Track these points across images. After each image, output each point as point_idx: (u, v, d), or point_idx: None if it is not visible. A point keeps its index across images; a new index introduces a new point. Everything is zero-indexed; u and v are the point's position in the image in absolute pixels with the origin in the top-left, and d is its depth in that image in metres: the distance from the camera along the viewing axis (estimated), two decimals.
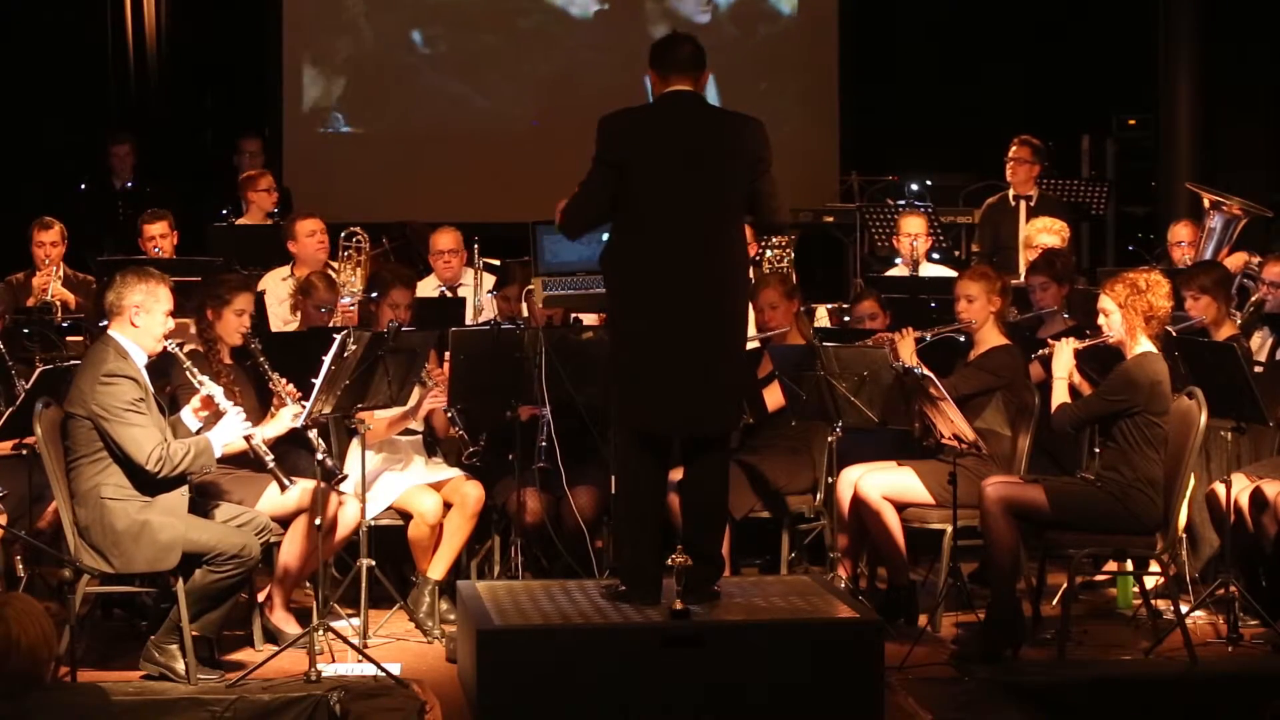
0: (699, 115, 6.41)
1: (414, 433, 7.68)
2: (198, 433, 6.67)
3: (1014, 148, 10.49)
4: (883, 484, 7.40)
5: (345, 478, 7.09)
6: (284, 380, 6.99)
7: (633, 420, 6.37)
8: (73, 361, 7.32)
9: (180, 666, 6.50)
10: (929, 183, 12.65)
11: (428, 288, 9.27)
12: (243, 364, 7.27)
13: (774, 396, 7.75)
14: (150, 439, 6.46)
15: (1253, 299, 8.53)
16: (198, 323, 7.28)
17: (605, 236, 6.49)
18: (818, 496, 7.80)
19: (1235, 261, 9.42)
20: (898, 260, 9.94)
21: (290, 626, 7.08)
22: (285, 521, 7.03)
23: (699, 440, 6.45)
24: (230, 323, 7.21)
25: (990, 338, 7.54)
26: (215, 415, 6.69)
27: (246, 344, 7.13)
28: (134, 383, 6.48)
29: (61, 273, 9.49)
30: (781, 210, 6.53)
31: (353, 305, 8.80)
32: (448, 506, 7.45)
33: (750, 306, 7.53)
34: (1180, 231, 9.91)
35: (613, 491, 6.68)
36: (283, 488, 6.73)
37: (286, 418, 6.87)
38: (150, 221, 9.59)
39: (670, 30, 7.49)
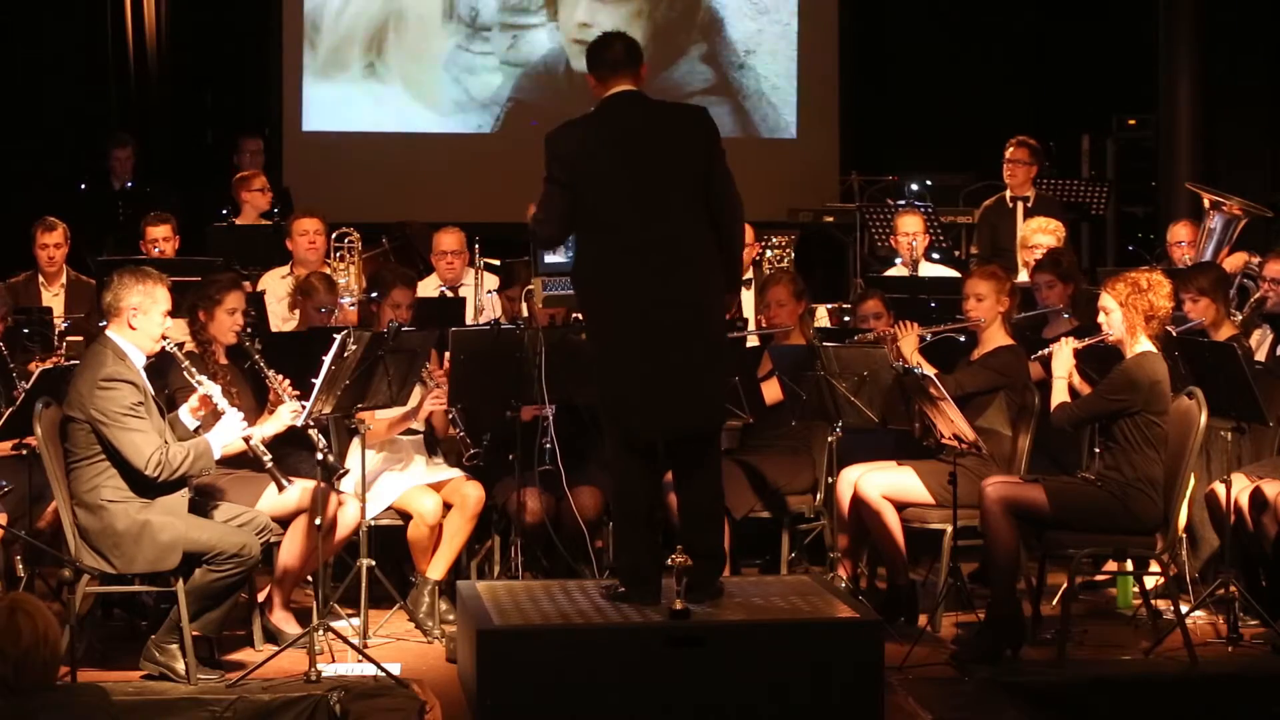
0: (642, 115, 6.35)
1: (415, 432, 7.68)
2: (196, 431, 6.67)
3: (1011, 149, 10.48)
4: (883, 484, 7.40)
5: (347, 472, 7.09)
6: (280, 377, 6.99)
7: (618, 427, 6.36)
8: (72, 362, 7.31)
9: (180, 666, 6.50)
10: (929, 183, 12.65)
11: (428, 288, 9.28)
12: (239, 364, 7.27)
13: (771, 390, 7.75)
14: (149, 443, 6.45)
15: (1254, 297, 8.53)
16: (190, 325, 7.27)
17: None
18: (818, 496, 7.80)
19: (1235, 262, 9.41)
20: (897, 260, 9.94)
21: (290, 626, 7.08)
22: (285, 521, 7.03)
23: (684, 441, 6.43)
24: (223, 322, 7.20)
25: (996, 337, 7.54)
26: (214, 415, 6.69)
27: (241, 342, 7.13)
28: (133, 386, 6.47)
29: (65, 276, 9.50)
30: (735, 203, 6.35)
31: (351, 305, 8.81)
32: (448, 507, 7.46)
33: (747, 302, 7.52)
34: (1180, 231, 9.91)
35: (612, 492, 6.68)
36: (280, 488, 6.72)
37: (285, 414, 6.86)
38: (154, 224, 9.60)
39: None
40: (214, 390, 6.68)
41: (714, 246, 6.35)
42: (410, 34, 13.22)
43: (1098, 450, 7.44)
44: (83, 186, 11.60)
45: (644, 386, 6.26)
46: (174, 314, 6.79)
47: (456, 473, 7.60)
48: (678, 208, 6.27)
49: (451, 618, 7.21)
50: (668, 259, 6.23)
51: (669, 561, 6.18)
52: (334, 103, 13.14)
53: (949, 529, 7.18)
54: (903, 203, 11.39)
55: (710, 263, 6.34)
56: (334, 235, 9.37)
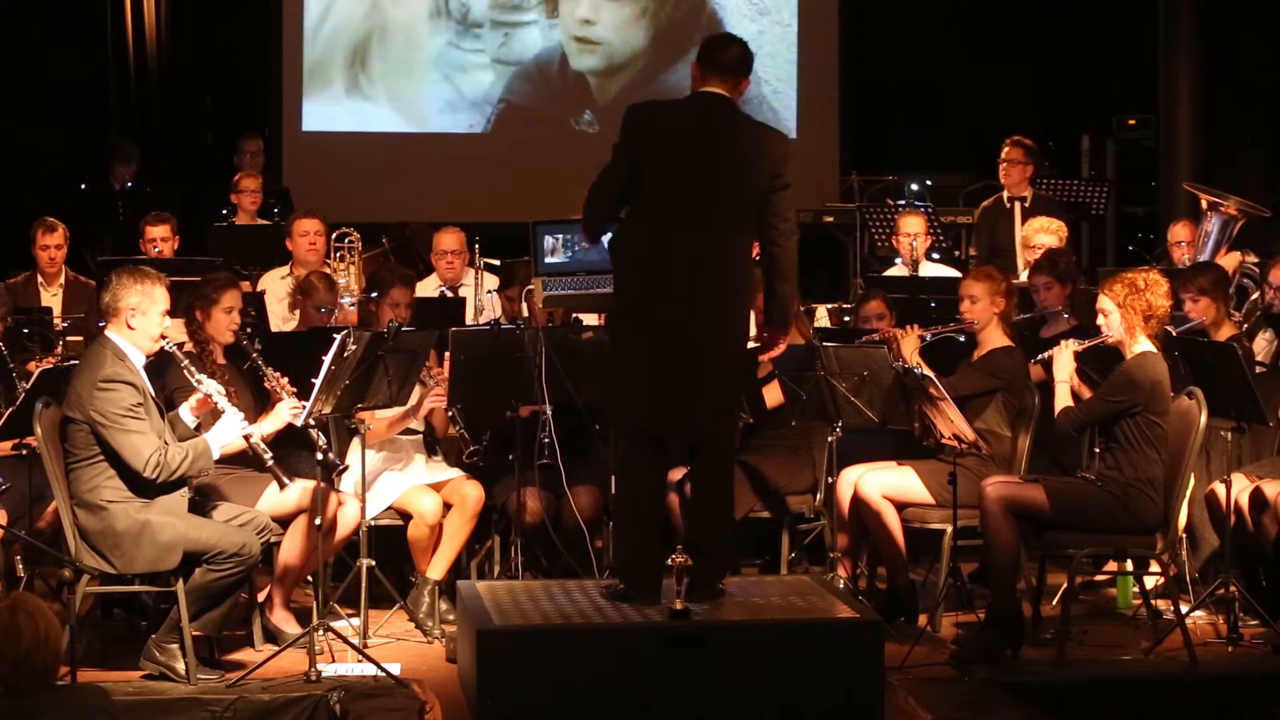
0: (724, 120, 6.40)
1: (415, 432, 7.68)
2: (196, 429, 6.67)
3: (1006, 149, 10.47)
4: (883, 484, 7.40)
5: (347, 468, 7.08)
6: (279, 375, 6.98)
7: (624, 418, 6.36)
8: (72, 362, 7.31)
9: (180, 666, 6.49)
10: (929, 183, 12.66)
11: (428, 287, 9.29)
12: (237, 364, 7.27)
13: (773, 394, 7.75)
14: (148, 445, 6.44)
15: (1253, 298, 8.52)
16: (187, 325, 7.27)
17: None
18: (818, 496, 7.80)
19: (1231, 261, 9.41)
20: (897, 260, 9.94)
21: (290, 626, 7.08)
22: (285, 521, 7.03)
23: (697, 439, 6.43)
24: (220, 321, 7.19)
25: (993, 339, 7.54)
26: (213, 414, 6.69)
27: (239, 341, 7.12)
28: (132, 387, 6.46)
29: (64, 277, 9.50)
30: (788, 235, 6.45)
31: (351, 305, 8.81)
32: (448, 507, 7.46)
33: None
34: (1180, 231, 9.91)
35: (613, 491, 6.67)
36: (281, 485, 6.71)
37: (284, 412, 6.86)
38: (154, 224, 9.61)
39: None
40: (214, 389, 6.68)
41: (747, 262, 6.45)
42: (399, 33, 13.22)
43: (1098, 450, 7.44)
44: (83, 186, 11.60)
45: (654, 380, 6.28)
46: (173, 314, 6.79)
47: (456, 472, 7.60)
48: (721, 214, 6.31)
49: (451, 618, 7.21)
50: (700, 257, 6.27)
51: (669, 561, 6.18)
52: (333, 103, 13.13)
53: (949, 529, 7.17)
54: (903, 203, 11.39)
55: (737, 275, 6.39)
56: (334, 235, 9.37)
